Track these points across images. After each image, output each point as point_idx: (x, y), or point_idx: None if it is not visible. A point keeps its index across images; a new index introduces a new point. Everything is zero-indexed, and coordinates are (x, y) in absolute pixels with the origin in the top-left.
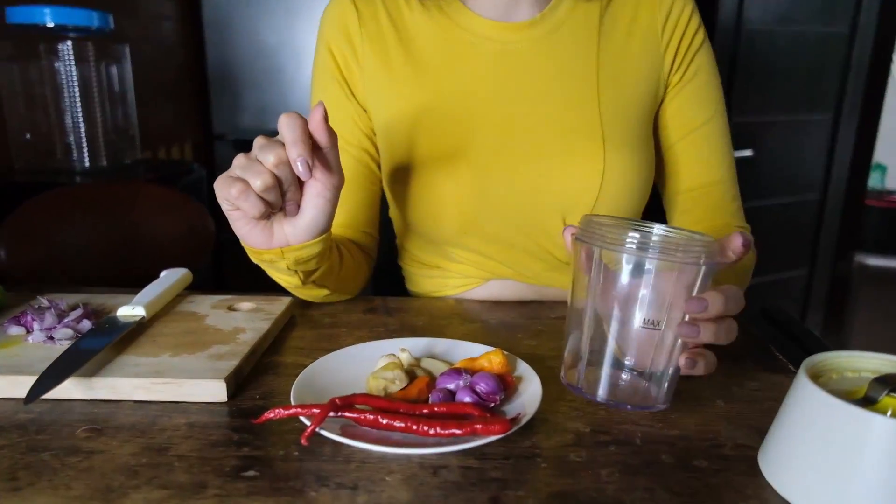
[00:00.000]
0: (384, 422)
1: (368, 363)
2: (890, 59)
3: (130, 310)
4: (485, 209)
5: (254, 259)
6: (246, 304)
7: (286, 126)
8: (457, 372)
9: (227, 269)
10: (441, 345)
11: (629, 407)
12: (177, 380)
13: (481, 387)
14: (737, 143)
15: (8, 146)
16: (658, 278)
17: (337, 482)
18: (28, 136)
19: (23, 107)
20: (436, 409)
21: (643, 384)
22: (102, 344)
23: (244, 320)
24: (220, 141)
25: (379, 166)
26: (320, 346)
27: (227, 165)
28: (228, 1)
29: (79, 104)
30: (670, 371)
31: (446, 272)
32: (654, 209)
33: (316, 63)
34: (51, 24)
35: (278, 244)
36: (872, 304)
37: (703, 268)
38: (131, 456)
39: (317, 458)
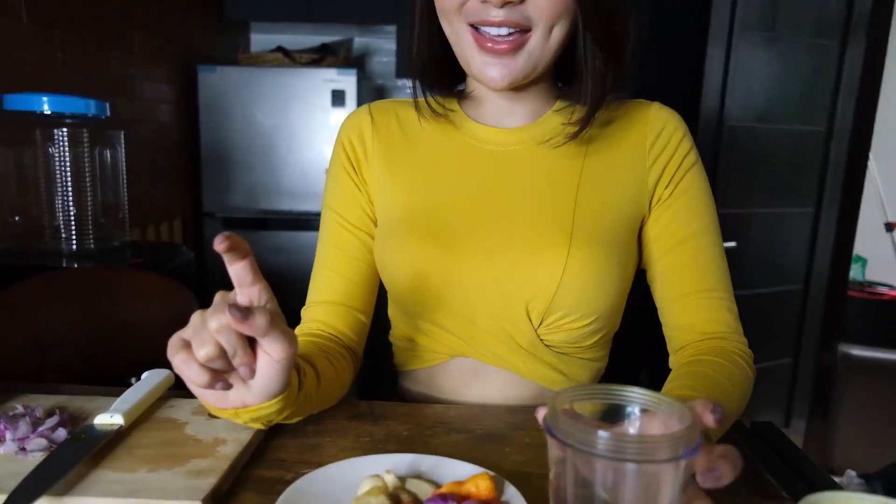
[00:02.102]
0: None
1: (352, 484)
2: (866, 156)
3: (109, 418)
4: (454, 288)
5: (211, 412)
6: None
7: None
8: (442, 499)
9: None
10: (426, 462)
11: None
12: (152, 500)
13: None
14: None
15: None
16: (641, 474)
17: None
18: (17, 218)
19: (14, 189)
20: None
21: None
22: (77, 459)
23: (225, 429)
24: (210, 218)
25: None
26: (302, 459)
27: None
28: (224, 83)
29: (69, 188)
30: None
31: (417, 346)
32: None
33: (332, 160)
34: (48, 112)
35: (232, 405)
36: (857, 394)
37: (686, 461)
38: None
39: None
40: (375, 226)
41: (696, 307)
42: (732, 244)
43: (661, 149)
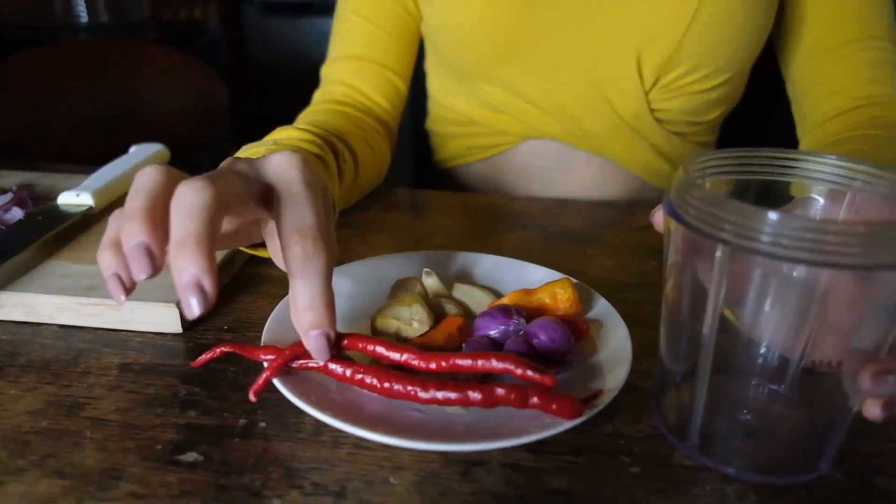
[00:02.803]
0: (383, 384)
1: (381, 288)
2: None
3: (74, 197)
4: (529, 22)
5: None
6: None
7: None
8: (505, 312)
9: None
10: (483, 263)
11: (777, 479)
12: (110, 300)
13: (542, 340)
14: None
15: None
16: (836, 294)
17: (314, 482)
18: None
19: None
20: (470, 361)
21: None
22: (24, 244)
23: None
24: (248, 3)
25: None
26: None
27: (254, 31)
28: None
29: None
30: (845, 424)
31: (474, 126)
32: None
33: None
34: None
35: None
36: None
37: None
38: (28, 416)
39: (291, 436)
40: None
41: (850, 63)
42: None
43: None
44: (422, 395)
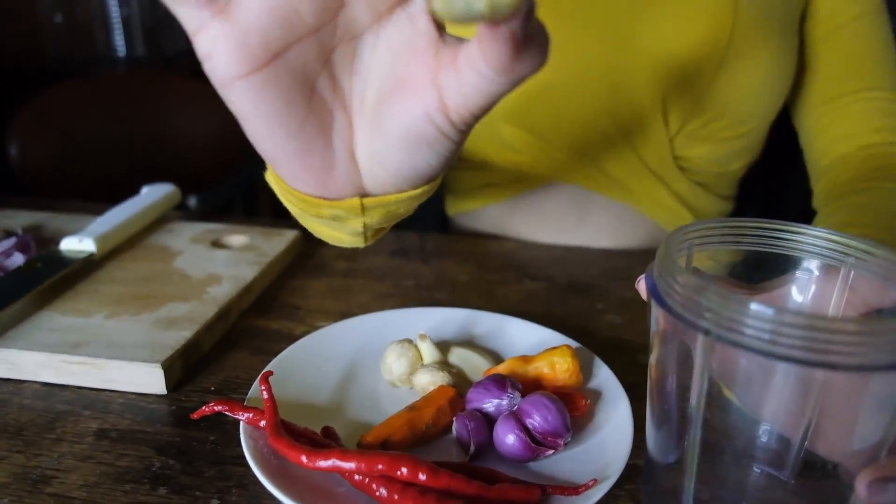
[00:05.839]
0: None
1: (377, 347)
2: None
3: (77, 242)
4: (557, 69)
5: (300, 208)
6: (238, 239)
7: None
8: (499, 384)
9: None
10: (484, 322)
11: None
12: (97, 360)
13: (535, 420)
14: None
15: (40, 29)
16: (832, 387)
17: None
18: (59, 17)
19: None
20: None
21: None
22: (17, 294)
23: (226, 263)
24: None
25: None
26: (322, 307)
27: None
28: None
29: None
30: None
31: (492, 170)
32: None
33: None
34: None
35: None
36: None
37: None
38: None
39: None
40: None
41: (855, 111)
42: None
43: None
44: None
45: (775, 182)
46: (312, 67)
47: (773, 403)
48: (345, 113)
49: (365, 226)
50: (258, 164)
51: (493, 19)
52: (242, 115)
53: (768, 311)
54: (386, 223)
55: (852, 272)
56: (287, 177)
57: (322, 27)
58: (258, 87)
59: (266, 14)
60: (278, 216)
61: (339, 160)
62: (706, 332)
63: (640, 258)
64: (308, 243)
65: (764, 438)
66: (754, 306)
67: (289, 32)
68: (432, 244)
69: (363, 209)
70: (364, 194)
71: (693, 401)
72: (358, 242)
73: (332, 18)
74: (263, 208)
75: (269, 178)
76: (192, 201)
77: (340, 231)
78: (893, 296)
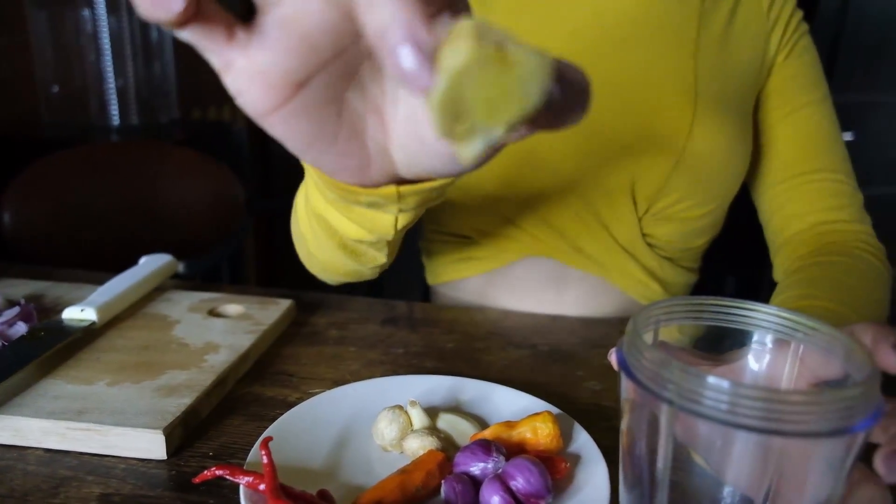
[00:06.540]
0: None
1: (369, 413)
2: None
3: (79, 312)
4: (536, 158)
5: (335, 194)
6: (234, 308)
7: None
8: (485, 448)
9: (263, 247)
10: (470, 389)
11: None
12: (100, 426)
13: (518, 482)
14: None
15: (36, 98)
16: (789, 450)
17: None
18: (56, 88)
19: (52, 57)
20: None
21: None
22: (20, 363)
23: (222, 332)
24: None
25: None
26: (315, 374)
27: None
28: None
29: (109, 56)
30: None
31: (469, 244)
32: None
33: None
34: None
35: (383, 178)
36: None
37: (862, 434)
38: None
39: None
40: None
41: (808, 191)
42: (850, 136)
43: (778, 10)
44: None
45: (737, 251)
46: (339, 85)
47: (734, 467)
48: (377, 115)
49: (399, 211)
50: (246, 234)
51: (516, 129)
52: (281, 138)
53: (724, 384)
54: (420, 208)
55: (801, 346)
56: (326, 173)
57: (343, 51)
58: (289, 117)
59: (284, 53)
60: (265, 285)
61: (374, 158)
62: (670, 402)
63: (617, 326)
64: (301, 312)
65: (729, 500)
66: (711, 380)
67: (310, 65)
68: (420, 313)
69: (399, 196)
70: (401, 182)
71: (660, 464)
72: (374, 274)
73: (352, 41)
74: (249, 276)
75: (307, 169)
76: (181, 267)
77: (362, 263)
78: (836, 369)
